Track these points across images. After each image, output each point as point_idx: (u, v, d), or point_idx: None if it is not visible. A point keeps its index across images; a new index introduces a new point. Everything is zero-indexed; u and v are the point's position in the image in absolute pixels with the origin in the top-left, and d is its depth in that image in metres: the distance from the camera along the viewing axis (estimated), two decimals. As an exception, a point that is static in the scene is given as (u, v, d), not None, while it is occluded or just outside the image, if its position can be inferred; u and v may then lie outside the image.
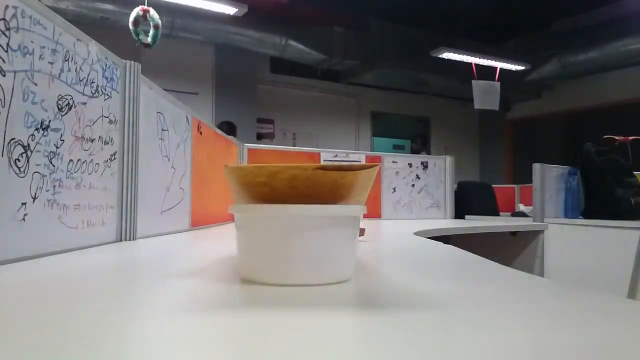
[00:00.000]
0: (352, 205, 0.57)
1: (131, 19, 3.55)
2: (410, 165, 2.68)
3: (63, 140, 0.78)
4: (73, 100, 0.82)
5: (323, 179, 0.55)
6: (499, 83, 4.75)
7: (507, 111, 7.89)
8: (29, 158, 0.69)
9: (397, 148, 4.70)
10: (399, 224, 2.09)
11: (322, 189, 0.55)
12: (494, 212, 3.49)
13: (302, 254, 0.52)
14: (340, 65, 6.65)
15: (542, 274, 2.46)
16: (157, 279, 0.58)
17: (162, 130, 1.23)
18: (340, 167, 0.55)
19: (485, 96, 4.65)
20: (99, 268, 0.71)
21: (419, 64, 6.28)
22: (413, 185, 2.67)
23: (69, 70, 0.81)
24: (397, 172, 2.68)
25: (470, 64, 5.58)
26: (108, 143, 0.96)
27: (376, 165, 0.60)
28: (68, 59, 0.80)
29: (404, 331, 0.36)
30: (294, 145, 7.00)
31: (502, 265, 0.71)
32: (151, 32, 3.57)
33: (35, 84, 0.71)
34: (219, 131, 1.81)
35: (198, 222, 1.52)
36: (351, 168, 0.56)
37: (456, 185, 3.08)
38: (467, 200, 3.15)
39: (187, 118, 1.41)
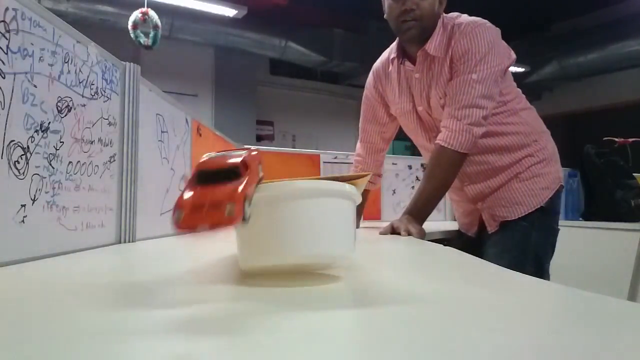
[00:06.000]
0: (347, 184, 0.58)
1: (130, 23, 3.55)
2: (410, 167, 2.68)
3: (62, 142, 0.78)
4: (72, 102, 0.82)
5: None
6: None
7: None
8: (28, 160, 0.69)
9: (406, 148, 4.71)
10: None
11: None
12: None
13: (302, 229, 0.53)
14: (340, 67, 6.66)
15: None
16: (156, 280, 0.58)
17: (162, 132, 1.23)
18: (335, 179, 0.56)
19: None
20: (98, 270, 0.71)
21: (419, 65, 6.28)
22: (413, 187, 2.66)
23: (69, 72, 0.81)
24: (397, 174, 2.68)
25: (470, 65, 5.57)
26: (107, 145, 0.96)
27: (367, 175, 0.61)
28: (68, 61, 0.80)
29: (402, 332, 0.35)
30: (294, 147, 7.00)
31: (501, 266, 0.71)
32: (151, 33, 3.57)
33: (35, 86, 0.71)
34: (218, 132, 1.81)
35: (198, 224, 1.51)
36: (341, 179, 0.57)
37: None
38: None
39: (186, 120, 1.41)
